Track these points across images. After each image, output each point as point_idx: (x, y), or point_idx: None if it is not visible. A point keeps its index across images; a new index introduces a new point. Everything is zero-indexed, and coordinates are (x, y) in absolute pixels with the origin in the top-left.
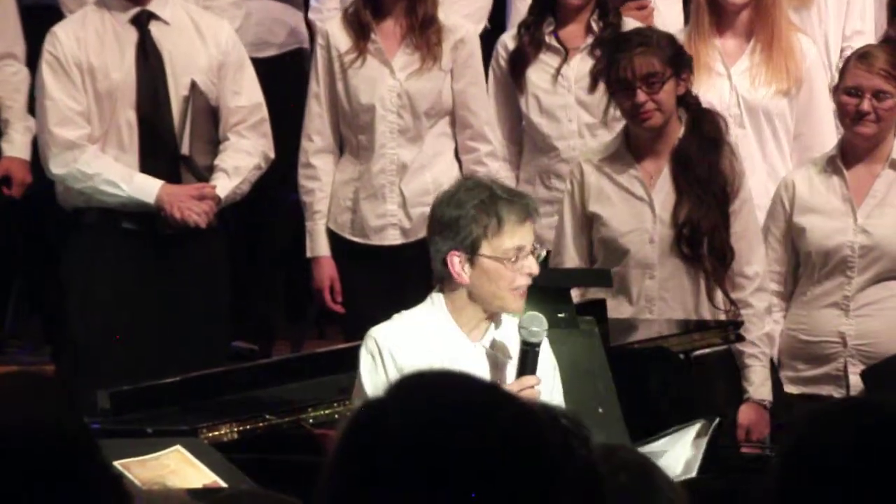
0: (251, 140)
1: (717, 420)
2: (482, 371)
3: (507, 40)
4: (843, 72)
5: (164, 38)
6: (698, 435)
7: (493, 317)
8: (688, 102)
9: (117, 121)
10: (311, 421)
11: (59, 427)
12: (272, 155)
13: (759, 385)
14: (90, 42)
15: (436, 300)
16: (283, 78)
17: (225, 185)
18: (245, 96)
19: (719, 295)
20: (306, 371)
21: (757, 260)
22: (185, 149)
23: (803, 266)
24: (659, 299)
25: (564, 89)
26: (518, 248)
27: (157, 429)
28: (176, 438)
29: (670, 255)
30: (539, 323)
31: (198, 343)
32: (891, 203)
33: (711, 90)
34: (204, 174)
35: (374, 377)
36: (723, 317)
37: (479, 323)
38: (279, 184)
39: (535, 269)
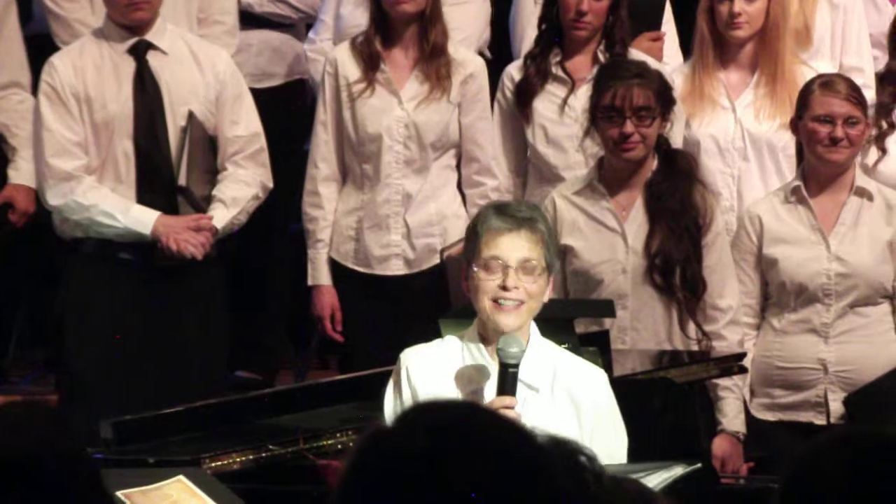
0: (249, 170)
1: (695, 466)
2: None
3: (514, 71)
4: (806, 100)
5: (161, 68)
6: (668, 476)
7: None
8: (660, 142)
9: (114, 151)
10: (313, 451)
11: (62, 455)
12: (270, 185)
13: (732, 417)
14: (87, 72)
15: (473, 324)
16: (285, 109)
17: (222, 215)
18: (243, 126)
19: (691, 326)
20: (309, 401)
21: (730, 293)
22: (182, 179)
23: (776, 296)
24: (631, 329)
25: (571, 119)
26: (494, 258)
27: (160, 459)
28: (178, 468)
29: (643, 285)
30: (516, 344)
31: (195, 373)
32: (861, 230)
33: (715, 123)
34: (201, 204)
35: (391, 396)
36: (695, 347)
37: None
38: (282, 213)
39: (511, 283)
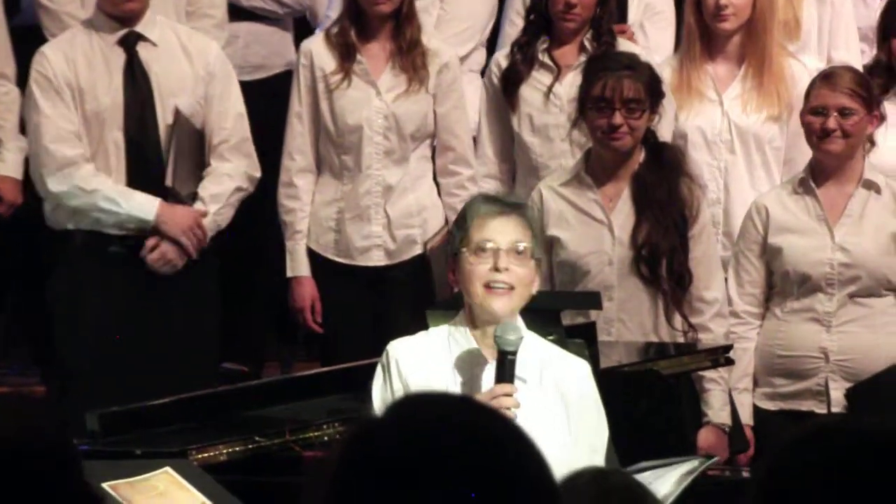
0: (233, 162)
1: (713, 458)
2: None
3: (501, 59)
4: (808, 94)
5: (151, 59)
6: (688, 472)
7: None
8: (647, 135)
9: (105, 143)
10: (300, 443)
11: (46, 447)
12: (258, 174)
13: (718, 409)
14: (78, 63)
15: (460, 313)
16: (272, 101)
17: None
18: (230, 117)
19: (678, 318)
20: (296, 393)
21: (716, 285)
22: (168, 179)
23: (779, 285)
24: (617, 321)
25: (556, 108)
26: (485, 241)
27: (147, 450)
28: (165, 460)
29: (629, 276)
30: (514, 331)
31: (186, 366)
32: (867, 221)
33: (703, 116)
34: (188, 203)
35: (381, 388)
36: (681, 339)
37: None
38: (269, 205)
39: (502, 265)
